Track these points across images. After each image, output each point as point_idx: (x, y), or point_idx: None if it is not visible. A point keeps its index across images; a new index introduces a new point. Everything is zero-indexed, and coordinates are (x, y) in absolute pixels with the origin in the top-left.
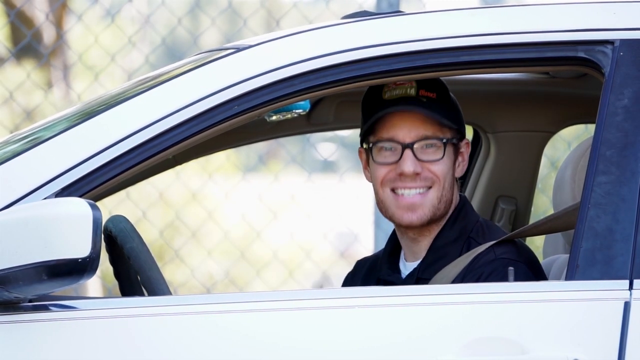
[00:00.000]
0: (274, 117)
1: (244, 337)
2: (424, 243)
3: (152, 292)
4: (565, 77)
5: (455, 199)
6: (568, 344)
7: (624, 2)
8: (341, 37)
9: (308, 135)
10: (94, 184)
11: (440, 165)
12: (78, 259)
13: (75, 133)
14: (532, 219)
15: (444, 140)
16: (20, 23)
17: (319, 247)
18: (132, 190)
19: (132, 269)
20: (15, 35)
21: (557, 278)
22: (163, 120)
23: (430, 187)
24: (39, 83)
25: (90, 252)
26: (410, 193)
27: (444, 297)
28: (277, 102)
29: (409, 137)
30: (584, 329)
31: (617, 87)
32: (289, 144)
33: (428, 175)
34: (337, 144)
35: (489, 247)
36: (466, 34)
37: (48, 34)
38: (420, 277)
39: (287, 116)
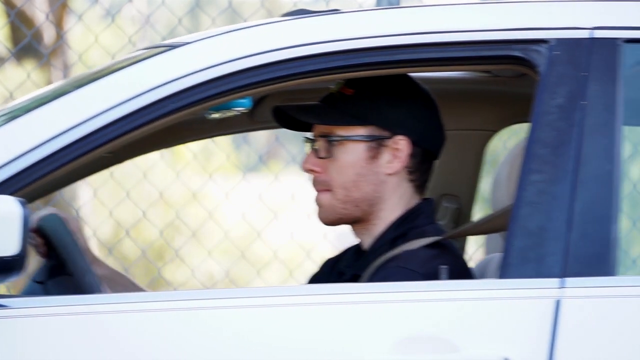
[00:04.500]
0: (215, 115)
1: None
2: (367, 241)
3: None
4: (507, 76)
5: (395, 197)
6: (500, 342)
7: (559, 1)
8: (276, 35)
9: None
10: (25, 182)
11: (335, 164)
12: (6, 257)
13: (3, 132)
14: (477, 218)
15: (340, 138)
16: (20, 23)
17: (319, 247)
18: (132, 190)
19: (66, 266)
20: (15, 35)
21: (494, 277)
22: (94, 119)
23: (327, 190)
24: (39, 83)
25: (19, 251)
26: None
27: (374, 295)
28: (212, 100)
29: (315, 133)
30: (516, 327)
31: (552, 86)
32: (289, 144)
33: (322, 177)
34: None
35: (404, 251)
36: (402, 32)
37: (48, 34)
38: (356, 273)
39: (228, 114)
